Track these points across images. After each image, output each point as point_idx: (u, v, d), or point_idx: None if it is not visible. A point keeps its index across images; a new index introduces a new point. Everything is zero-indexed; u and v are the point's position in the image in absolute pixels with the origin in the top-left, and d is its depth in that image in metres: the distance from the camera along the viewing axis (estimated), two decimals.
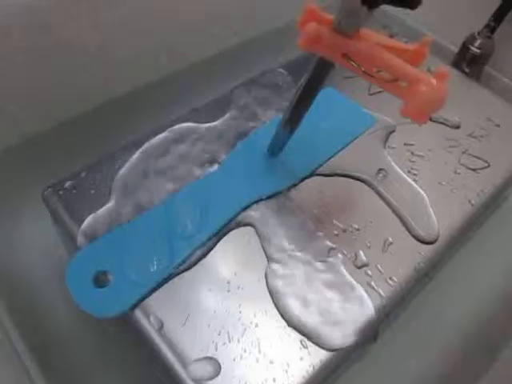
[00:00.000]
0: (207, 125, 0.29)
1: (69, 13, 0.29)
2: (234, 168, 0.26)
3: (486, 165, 0.30)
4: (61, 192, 0.25)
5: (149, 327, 0.21)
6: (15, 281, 0.28)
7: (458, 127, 0.32)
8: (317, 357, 0.21)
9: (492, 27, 0.36)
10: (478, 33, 0.37)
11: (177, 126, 0.28)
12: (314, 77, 0.22)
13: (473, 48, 0.37)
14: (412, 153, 0.30)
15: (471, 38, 0.37)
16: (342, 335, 0.21)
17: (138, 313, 0.22)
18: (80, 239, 0.24)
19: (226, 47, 0.37)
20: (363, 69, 0.20)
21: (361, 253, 0.24)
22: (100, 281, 0.22)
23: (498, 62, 0.41)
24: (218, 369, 0.20)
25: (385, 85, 0.21)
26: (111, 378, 0.26)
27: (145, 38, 0.33)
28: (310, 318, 0.22)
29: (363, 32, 0.21)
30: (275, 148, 0.27)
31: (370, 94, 0.33)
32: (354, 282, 0.23)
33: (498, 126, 0.32)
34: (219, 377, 0.20)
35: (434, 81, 0.20)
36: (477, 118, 0.32)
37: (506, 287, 0.32)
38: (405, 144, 0.30)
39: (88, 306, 0.21)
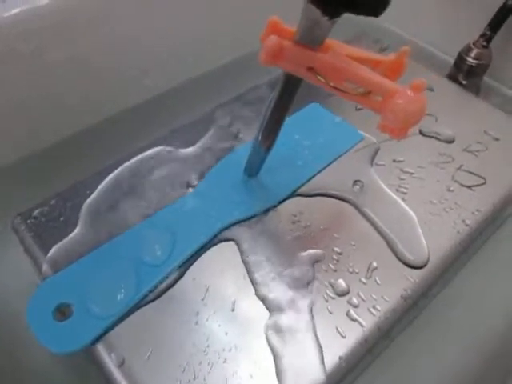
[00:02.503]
0: (185, 147, 0.28)
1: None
2: (208, 192, 0.25)
3: (483, 181, 0.28)
4: (29, 220, 0.24)
5: (109, 363, 0.20)
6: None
7: (451, 141, 0.30)
8: None
9: (488, 36, 0.35)
10: (474, 43, 0.35)
11: (152, 150, 0.27)
12: (283, 93, 0.21)
13: (469, 59, 0.36)
14: (401, 170, 0.28)
15: (467, 49, 0.36)
16: (312, 375, 0.20)
17: (99, 347, 0.20)
18: (45, 269, 0.23)
19: (215, 66, 0.36)
20: (332, 84, 0.19)
21: (342, 279, 0.23)
22: (62, 314, 0.21)
23: (498, 72, 0.39)
24: None
25: (358, 99, 0.20)
26: None
27: (128, 61, 0.33)
28: (284, 351, 0.20)
29: (332, 44, 0.19)
30: (252, 169, 0.25)
31: (358, 109, 0.31)
32: (328, 312, 0.21)
33: (497, 139, 0.30)
34: None
35: (410, 93, 0.19)
36: (473, 132, 0.31)
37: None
38: (394, 161, 0.28)
39: (47, 341, 0.20)
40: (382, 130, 0.20)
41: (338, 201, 0.26)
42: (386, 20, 0.46)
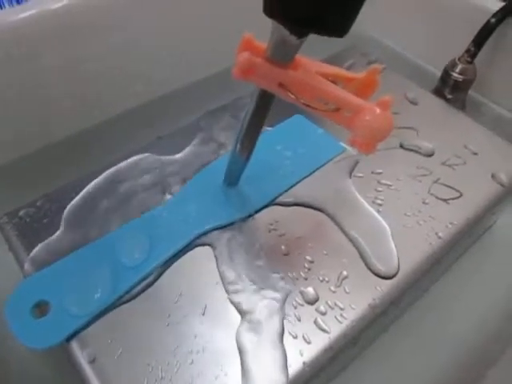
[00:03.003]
0: (170, 154, 0.29)
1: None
2: (188, 199, 0.26)
3: (458, 195, 0.28)
4: (15, 220, 0.25)
5: (82, 360, 0.21)
6: None
7: (431, 155, 0.31)
8: None
9: (472, 52, 0.35)
10: (459, 58, 0.36)
11: (137, 156, 0.28)
12: (258, 106, 0.22)
13: (454, 74, 0.36)
14: (379, 182, 0.29)
15: (452, 64, 0.37)
16: (275, 379, 0.20)
17: (73, 345, 0.21)
18: (27, 267, 0.24)
19: (203, 76, 0.37)
20: (302, 100, 0.20)
21: (312, 287, 0.23)
22: (40, 311, 0.22)
23: (484, 87, 0.40)
24: None
25: (328, 115, 0.21)
26: None
27: (120, 68, 0.34)
28: (251, 355, 0.21)
29: (303, 61, 0.20)
30: (231, 177, 0.26)
31: None
32: (296, 320, 0.22)
33: (476, 153, 0.31)
34: None
35: (377, 109, 0.20)
36: (453, 146, 0.31)
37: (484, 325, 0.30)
38: (372, 172, 0.29)
39: (23, 336, 0.21)
40: (351, 145, 0.21)
41: (314, 211, 0.27)
42: (377, 32, 0.47)
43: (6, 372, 0.26)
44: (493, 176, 0.30)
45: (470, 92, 0.41)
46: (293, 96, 0.20)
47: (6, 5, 0.33)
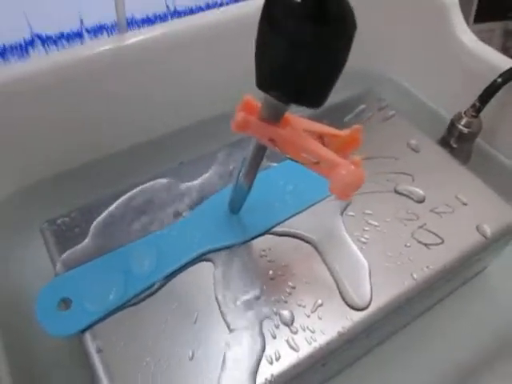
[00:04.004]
0: (187, 181, 0.33)
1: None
2: (195, 221, 0.30)
3: (440, 241, 0.31)
4: (53, 227, 0.31)
5: (91, 349, 0.25)
6: (17, 305, 0.33)
7: (421, 201, 0.33)
8: None
9: (477, 108, 0.38)
10: (465, 112, 0.39)
11: (158, 180, 0.33)
12: (254, 153, 0.26)
13: (459, 126, 0.39)
14: (367, 222, 0.32)
15: (458, 117, 0.39)
16: None
17: (86, 336, 0.26)
18: (58, 268, 0.29)
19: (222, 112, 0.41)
20: (288, 155, 0.24)
21: (289, 310, 0.27)
22: (63, 306, 0.27)
23: (492, 137, 0.42)
24: None
25: (311, 166, 0.25)
26: None
27: (155, 98, 0.39)
28: (228, 364, 0.25)
29: (292, 120, 0.24)
30: (234, 206, 0.30)
31: None
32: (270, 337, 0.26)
33: (465, 204, 0.33)
34: None
35: (351, 166, 0.23)
36: (444, 195, 0.34)
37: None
38: (363, 213, 0.32)
39: (46, 325, 0.26)
40: (331, 192, 0.25)
41: (303, 242, 0.30)
42: (398, 75, 0.50)
43: (31, 358, 0.31)
44: (477, 227, 0.32)
45: (479, 140, 0.43)
46: (279, 150, 0.24)
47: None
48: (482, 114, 0.39)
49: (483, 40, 0.52)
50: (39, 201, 0.37)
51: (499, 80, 0.37)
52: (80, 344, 0.26)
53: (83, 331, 0.26)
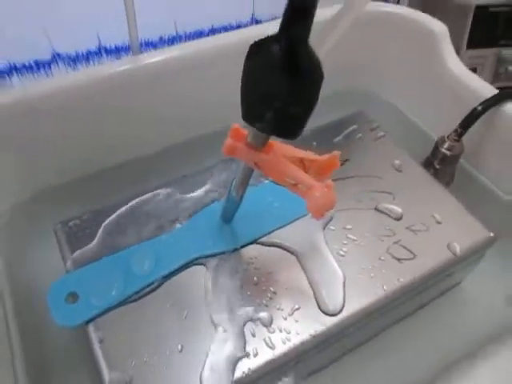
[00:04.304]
0: (187, 193, 0.37)
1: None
2: (191, 229, 0.34)
3: (412, 256, 0.34)
4: (65, 228, 0.35)
5: (94, 339, 0.29)
6: (31, 296, 0.37)
7: (399, 219, 0.37)
8: None
9: (459, 132, 0.41)
10: (448, 136, 0.42)
11: (160, 190, 0.37)
12: (242, 173, 0.29)
13: (442, 149, 0.42)
14: (346, 236, 0.35)
15: (442, 140, 0.42)
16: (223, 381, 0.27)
17: (90, 327, 0.30)
18: (68, 265, 0.33)
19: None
20: (269, 178, 0.27)
21: (269, 313, 0.30)
22: (71, 299, 0.31)
23: (474, 159, 0.45)
24: (129, 378, 0.27)
25: (290, 187, 0.28)
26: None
27: (163, 114, 0.43)
28: (210, 359, 0.28)
29: (275, 146, 0.28)
30: (226, 216, 0.34)
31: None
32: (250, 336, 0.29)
33: (440, 223, 0.36)
34: (133, 381, 0.27)
35: (324, 189, 0.27)
36: (421, 214, 0.37)
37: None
38: (343, 228, 0.35)
39: (56, 316, 0.30)
40: (308, 211, 0.28)
41: (286, 252, 0.34)
42: (393, 97, 0.53)
43: (43, 345, 0.35)
44: (448, 245, 0.35)
45: (463, 161, 0.46)
46: (262, 173, 0.27)
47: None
48: (464, 138, 0.42)
49: (476, 65, 0.55)
50: (54, 204, 0.41)
51: (479, 108, 0.40)
52: (84, 334, 0.30)
53: (87, 323, 0.30)
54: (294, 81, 0.21)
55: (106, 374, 0.28)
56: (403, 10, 0.48)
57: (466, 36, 0.52)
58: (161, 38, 0.43)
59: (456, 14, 0.53)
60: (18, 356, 0.32)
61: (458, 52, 0.54)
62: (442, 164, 0.43)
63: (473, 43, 0.52)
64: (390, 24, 0.48)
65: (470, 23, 0.51)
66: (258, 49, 0.21)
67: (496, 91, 0.42)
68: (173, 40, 0.44)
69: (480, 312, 0.40)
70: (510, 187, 0.43)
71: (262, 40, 0.21)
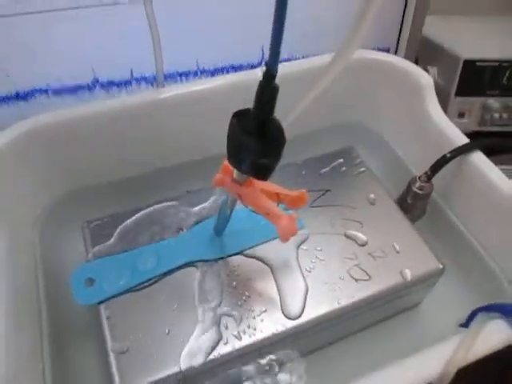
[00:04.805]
0: (190, 207, 0.45)
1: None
2: (189, 238, 0.42)
3: (367, 278, 0.41)
4: (90, 226, 0.43)
5: (103, 316, 0.37)
6: (60, 277, 0.46)
7: (363, 245, 0.43)
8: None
9: (429, 175, 0.47)
10: (419, 177, 0.48)
11: (169, 203, 0.45)
12: (229, 200, 0.37)
13: (414, 188, 0.48)
14: (316, 256, 0.42)
15: (414, 180, 0.48)
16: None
17: (101, 306, 0.38)
18: (89, 256, 0.41)
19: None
20: (249, 207, 0.35)
21: (240, 313, 0.38)
22: (89, 283, 0.39)
23: (445, 196, 0.51)
24: (127, 348, 0.35)
25: (264, 215, 0.35)
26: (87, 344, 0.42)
27: (177, 137, 0.51)
28: (189, 345, 0.36)
29: (256, 181, 0.35)
30: (217, 230, 0.42)
31: (311, 207, 0.46)
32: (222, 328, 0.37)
33: (398, 252, 0.43)
34: (129, 351, 0.35)
35: (290, 220, 0.34)
36: (383, 242, 0.44)
37: None
38: (314, 248, 0.43)
39: (76, 296, 0.38)
40: (278, 235, 0.35)
41: (263, 264, 0.41)
42: (384, 133, 0.59)
43: (64, 317, 0.44)
44: (401, 271, 0.42)
45: (436, 196, 0.52)
46: (243, 203, 0.35)
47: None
48: (438, 175, 0.48)
49: (464, 110, 0.61)
50: (82, 204, 0.50)
51: (448, 155, 0.47)
52: (96, 311, 0.38)
53: (99, 303, 0.38)
54: (263, 143, 0.28)
55: (109, 342, 0.36)
56: (394, 58, 0.54)
57: (456, 85, 0.58)
58: (182, 73, 0.51)
59: (447, 64, 0.60)
60: (44, 324, 0.41)
61: (448, 97, 0.60)
62: (413, 200, 0.49)
63: (461, 92, 0.58)
64: (381, 70, 0.55)
65: (458, 74, 0.57)
66: (239, 117, 0.29)
67: (467, 140, 0.48)
68: (195, 74, 0.52)
69: (432, 331, 0.46)
70: (475, 227, 0.49)
71: (242, 110, 0.29)
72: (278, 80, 0.26)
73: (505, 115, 0.60)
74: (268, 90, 0.26)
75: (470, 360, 0.31)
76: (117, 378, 0.34)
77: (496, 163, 0.48)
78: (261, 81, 0.26)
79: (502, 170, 0.47)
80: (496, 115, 0.60)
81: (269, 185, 0.36)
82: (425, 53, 0.65)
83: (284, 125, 0.29)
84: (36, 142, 0.45)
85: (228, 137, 0.31)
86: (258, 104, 0.27)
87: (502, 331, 0.31)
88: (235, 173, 0.34)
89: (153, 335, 0.36)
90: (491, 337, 0.31)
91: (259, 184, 0.35)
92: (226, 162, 0.35)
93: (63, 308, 0.43)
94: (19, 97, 0.50)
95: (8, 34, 0.45)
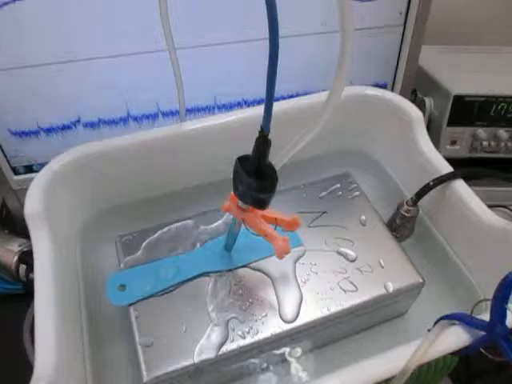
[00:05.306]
0: (205, 225, 0.53)
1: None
2: (204, 252, 0.50)
3: (355, 289, 0.48)
4: (122, 240, 0.52)
5: (132, 316, 0.46)
6: (97, 282, 0.54)
7: (353, 261, 0.50)
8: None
9: (414, 200, 0.54)
10: (406, 201, 0.55)
11: (187, 221, 0.53)
12: (236, 222, 0.45)
13: (401, 211, 0.55)
14: (311, 269, 0.49)
15: (401, 204, 0.55)
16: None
17: (131, 308, 0.46)
18: (121, 265, 0.49)
19: None
20: (251, 229, 0.43)
21: (243, 316, 0.45)
22: (121, 288, 0.48)
23: (431, 217, 0.58)
24: (151, 342, 0.44)
25: (263, 236, 0.43)
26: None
27: (196, 164, 0.59)
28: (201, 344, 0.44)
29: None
30: (227, 246, 0.49)
31: (309, 227, 0.53)
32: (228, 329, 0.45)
33: (383, 267, 0.50)
34: (154, 345, 0.43)
35: (284, 240, 0.42)
36: (370, 259, 0.50)
37: None
38: (310, 263, 0.50)
39: (111, 298, 0.47)
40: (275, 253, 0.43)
41: (265, 276, 0.49)
42: (381, 158, 0.66)
43: (100, 316, 0.52)
44: (384, 284, 0.48)
45: (424, 216, 0.59)
46: (246, 227, 0.43)
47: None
48: (426, 198, 0.54)
49: (456, 139, 0.67)
50: (116, 220, 0.58)
51: (431, 183, 0.53)
52: (126, 312, 0.46)
53: (129, 305, 0.46)
54: (260, 183, 0.36)
55: (137, 338, 0.44)
56: (388, 94, 0.61)
57: (447, 116, 0.65)
58: (201, 108, 0.59)
59: (440, 97, 0.66)
60: (84, 321, 0.50)
61: (441, 127, 0.67)
62: (401, 221, 0.56)
63: (452, 122, 0.65)
64: (378, 104, 0.62)
65: (449, 107, 0.64)
66: (241, 161, 0.37)
67: (451, 169, 0.55)
68: (212, 108, 0.60)
69: (416, 337, 0.52)
70: (457, 246, 0.55)
71: (244, 156, 0.36)
72: (275, 116, 0.32)
73: (493, 143, 0.66)
74: (263, 144, 0.34)
75: (429, 358, 0.37)
76: (143, 367, 0.42)
77: (477, 185, 0.55)
78: (257, 138, 0.34)
79: (482, 190, 0.54)
80: (485, 143, 0.66)
81: (268, 211, 0.43)
82: (422, 84, 0.71)
83: (277, 168, 0.37)
84: (79, 168, 0.54)
85: (233, 175, 0.38)
86: (256, 153, 0.35)
87: (456, 335, 0.38)
88: (239, 202, 0.42)
89: (172, 332, 0.44)
90: (447, 339, 0.38)
91: (259, 210, 0.43)
92: (233, 193, 0.43)
93: (99, 308, 0.51)
94: (65, 127, 0.59)
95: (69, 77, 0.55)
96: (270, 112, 0.32)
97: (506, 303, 0.37)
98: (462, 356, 0.41)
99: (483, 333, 0.38)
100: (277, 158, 0.37)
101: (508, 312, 0.37)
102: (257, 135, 0.34)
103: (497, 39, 0.85)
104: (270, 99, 0.31)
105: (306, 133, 0.34)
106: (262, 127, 0.33)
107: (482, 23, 0.90)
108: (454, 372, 0.49)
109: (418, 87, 0.73)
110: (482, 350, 0.39)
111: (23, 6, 0.49)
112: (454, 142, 0.66)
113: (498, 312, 0.36)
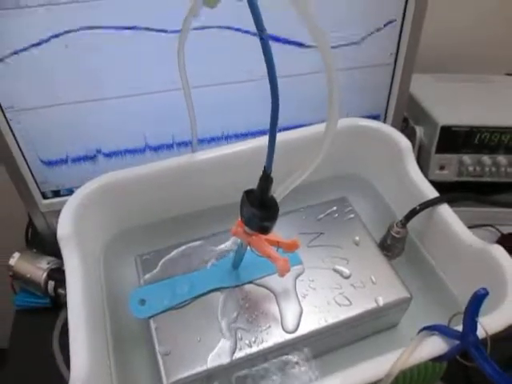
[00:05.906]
0: (214, 245, 0.59)
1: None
2: (214, 270, 0.56)
3: (349, 303, 0.54)
4: (141, 259, 0.58)
5: (152, 328, 0.52)
6: (118, 297, 0.61)
7: (347, 278, 0.56)
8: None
9: (403, 223, 0.60)
10: (396, 223, 0.61)
11: (198, 242, 0.59)
12: (242, 244, 0.51)
13: (391, 232, 0.61)
14: (309, 285, 0.55)
15: (391, 226, 0.61)
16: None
17: (151, 320, 0.52)
18: (141, 282, 0.56)
19: None
20: (256, 251, 0.49)
21: (249, 327, 0.51)
22: (141, 303, 0.54)
23: (419, 237, 0.64)
24: (169, 351, 0.50)
25: (267, 257, 0.49)
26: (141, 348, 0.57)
27: (206, 190, 0.66)
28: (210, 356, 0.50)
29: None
30: (235, 264, 0.56)
31: (308, 246, 0.60)
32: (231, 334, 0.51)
33: (374, 283, 0.56)
34: (171, 353, 0.49)
35: (285, 261, 0.48)
36: (363, 275, 0.56)
37: None
38: (308, 279, 0.56)
39: (133, 311, 0.53)
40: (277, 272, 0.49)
41: (269, 291, 0.55)
42: (375, 182, 0.73)
43: (122, 328, 0.59)
44: (375, 298, 0.54)
45: (413, 236, 0.65)
46: (253, 249, 0.49)
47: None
48: (415, 220, 0.60)
49: (444, 164, 0.73)
50: (135, 240, 0.65)
51: (417, 208, 0.59)
52: (146, 323, 0.53)
53: (149, 317, 0.53)
54: (263, 213, 0.42)
55: (157, 347, 0.50)
56: (380, 125, 0.68)
57: (435, 144, 0.71)
58: (211, 138, 0.66)
59: (429, 126, 0.73)
60: (108, 332, 0.56)
61: (430, 153, 0.73)
62: (392, 241, 0.61)
63: (440, 149, 0.71)
64: (370, 134, 0.68)
65: (437, 136, 0.70)
66: (247, 194, 0.43)
67: (437, 194, 0.61)
68: (221, 139, 0.67)
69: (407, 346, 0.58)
70: (443, 264, 0.61)
71: (250, 190, 0.43)
72: (278, 145, 0.38)
73: (478, 168, 0.72)
74: (266, 183, 0.40)
75: (410, 364, 0.43)
76: (163, 373, 0.48)
77: (466, 205, 0.61)
78: (261, 176, 0.40)
79: (469, 211, 0.60)
80: (470, 168, 0.72)
81: (271, 235, 0.50)
82: (413, 112, 0.78)
83: (278, 200, 0.43)
84: (104, 194, 0.60)
85: (240, 205, 0.45)
86: (260, 189, 0.41)
87: (435, 343, 0.44)
88: (245, 227, 0.48)
89: (188, 342, 0.50)
90: (427, 347, 0.44)
91: (264, 235, 0.49)
92: (240, 220, 0.49)
93: (121, 320, 0.58)
94: (87, 158, 0.66)
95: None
96: (271, 156, 0.39)
97: (477, 316, 0.42)
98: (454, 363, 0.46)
99: (458, 342, 0.43)
100: (279, 191, 0.43)
101: (478, 324, 0.43)
102: (259, 162, 0.40)
103: (485, 68, 0.91)
104: (271, 144, 0.38)
105: (303, 171, 0.41)
106: (265, 167, 0.39)
107: (472, 50, 0.96)
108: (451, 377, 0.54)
109: (409, 115, 0.79)
110: (457, 357, 0.45)
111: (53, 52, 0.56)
112: (442, 167, 0.72)
113: (470, 323, 0.42)
